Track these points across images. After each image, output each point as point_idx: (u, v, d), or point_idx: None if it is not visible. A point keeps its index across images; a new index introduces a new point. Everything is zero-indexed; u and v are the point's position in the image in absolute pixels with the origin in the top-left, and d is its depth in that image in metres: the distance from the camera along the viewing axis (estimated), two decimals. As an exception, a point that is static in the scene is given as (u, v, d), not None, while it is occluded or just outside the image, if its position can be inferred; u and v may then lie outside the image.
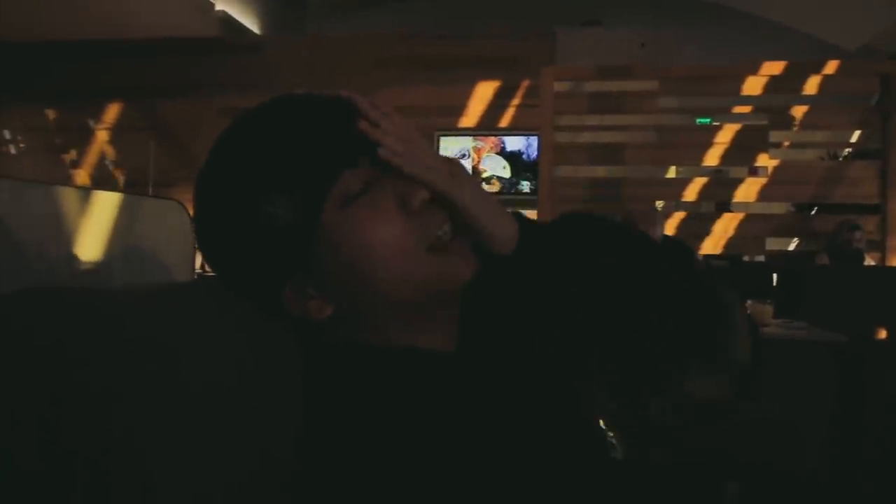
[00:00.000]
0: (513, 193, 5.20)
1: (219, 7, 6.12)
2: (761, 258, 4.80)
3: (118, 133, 5.78)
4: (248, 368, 0.54)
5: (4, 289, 0.49)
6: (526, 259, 0.59)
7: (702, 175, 4.73)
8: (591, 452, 0.60)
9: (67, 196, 0.85)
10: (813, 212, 4.94)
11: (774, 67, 4.46)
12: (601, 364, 0.61)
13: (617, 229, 0.64)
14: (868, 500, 2.09)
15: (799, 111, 4.56)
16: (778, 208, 5.03)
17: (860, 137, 4.68)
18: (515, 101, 5.31)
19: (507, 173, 5.27)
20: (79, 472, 0.43)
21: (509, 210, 0.62)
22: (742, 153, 4.59)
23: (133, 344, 0.48)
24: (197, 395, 0.49)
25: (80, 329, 0.48)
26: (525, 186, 5.24)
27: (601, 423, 0.64)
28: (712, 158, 4.62)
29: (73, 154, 5.86)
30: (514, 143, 5.28)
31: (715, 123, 4.78)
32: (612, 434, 0.62)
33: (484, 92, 5.36)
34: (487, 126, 5.35)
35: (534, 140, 5.09)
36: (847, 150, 5.19)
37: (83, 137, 5.83)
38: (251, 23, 6.59)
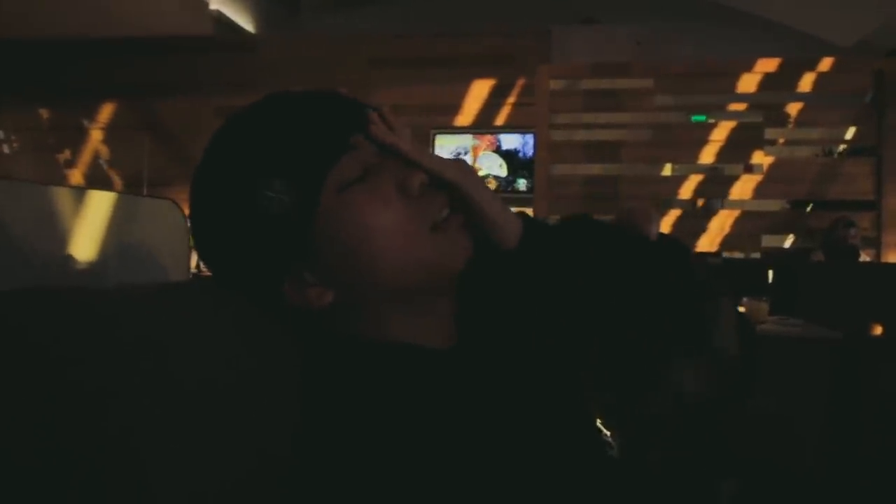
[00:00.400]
0: (509, 191, 5.20)
1: (213, 6, 6.11)
2: (757, 255, 4.81)
3: (112, 132, 5.76)
4: (244, 367, 0.54)
5: (-1, 288, 0.49)
6: (530, 254, 0.59)
7: (697, 172, 4.74)
8: (590, 449, 0.60)
9: (62, 196, 0.85)
10: (808, 209, 4.95)
11: (769, 65, 4.48)
12: (598, 361, 0.61)
13: (617, 230, 0.64)
14: (864, 495, 2.10)
15: (794, 108, 4.58)
16: (773, 205, 5.05)
17: (855, 134, 4.70)
18: (511, 99, 5.31)
19: (503, 171, 5.27)
20: (74, 470, 0.43)
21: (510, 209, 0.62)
22: (737, 150, 4.60)
23: (128, 343, 0.48)
24: (193, 394, 0.49)
25: (75, 328, 0.47)
26: (521, 184, 5.24)
27: (598, 421, 0.64)
28: (708, 156, 4.63)
29: (67, 153, 5.84)
30: (510, 141, 5.28)
31: (710, 121, 4.79)
32: (609, 433, 0.62)
33: (479, 90, 5.36)
34: (483, 124, 5.35)
35: (530, 138, 5.09)
36: (842, 146, 5.21)
37: (77, 137, 5.81)
38: (245, 21, 6.59)
